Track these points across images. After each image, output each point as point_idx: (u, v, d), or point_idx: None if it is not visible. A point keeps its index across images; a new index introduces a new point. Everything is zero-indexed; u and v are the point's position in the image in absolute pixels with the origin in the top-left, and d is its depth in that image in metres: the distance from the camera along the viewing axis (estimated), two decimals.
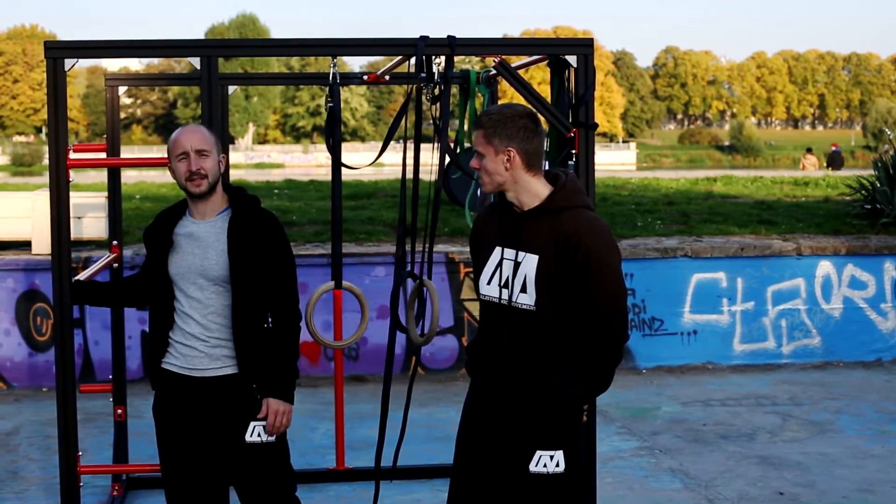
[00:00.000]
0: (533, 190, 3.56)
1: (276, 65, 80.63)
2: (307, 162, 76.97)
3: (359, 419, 7.40)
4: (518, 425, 3.58)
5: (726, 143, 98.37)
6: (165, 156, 3.97)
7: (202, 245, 3.86)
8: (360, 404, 7.85)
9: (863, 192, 11.45)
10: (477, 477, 3.67)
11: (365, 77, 5.84)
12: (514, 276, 3.54)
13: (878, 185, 11.23)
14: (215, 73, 4.26)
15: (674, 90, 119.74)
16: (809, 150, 32.45)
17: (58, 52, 4.23)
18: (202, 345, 3.86)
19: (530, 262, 3.51)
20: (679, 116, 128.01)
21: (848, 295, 9.43)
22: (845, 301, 9.42)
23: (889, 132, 19.52)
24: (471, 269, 8.68)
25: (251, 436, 3.85)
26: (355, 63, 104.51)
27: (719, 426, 7.36)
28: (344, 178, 8.52)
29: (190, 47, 4.51)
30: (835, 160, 30.37)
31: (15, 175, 48.08)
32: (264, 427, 3.86)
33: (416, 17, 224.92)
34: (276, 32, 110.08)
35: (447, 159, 4.53)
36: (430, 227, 4.49)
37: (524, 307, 3.52)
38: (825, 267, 9.43)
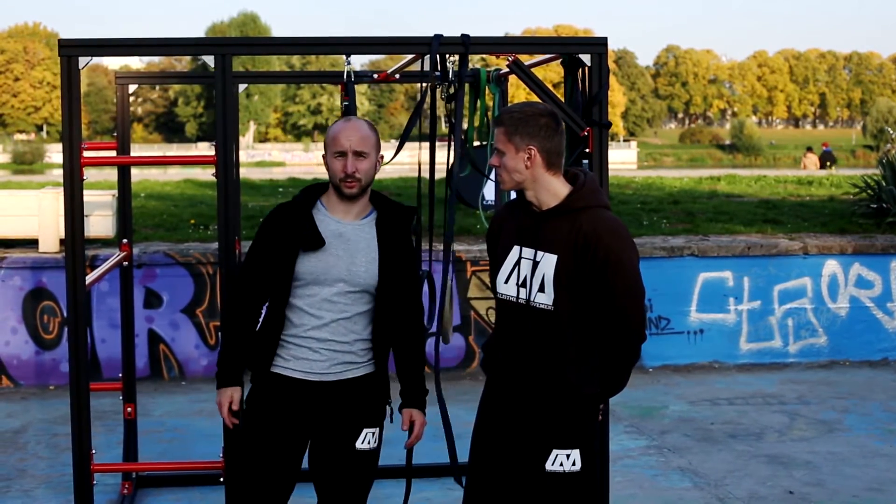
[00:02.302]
0: (552, 189, 3.56)
1: (276, 63, 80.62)
2: (308, 160, 76.99)
3: None
4: (535, 424, 3.58)
5: (727, 142, 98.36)
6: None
7: (350, 249, 3.68)
8: None
9: (868, 191, 11.44)
10: (493, 475, 3.67)
11: (375, 76, 5.82)
12: (532, 275, 3.54)
13: (885, 184, 11.22)
14: (229, 71, 4.25)
15: (675, 89, 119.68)
16: (810, 149, 33.24)
17: (72, 49, 4.22)
18: (325, 348, 3.69)
19: (549, 261, 3.51)
20: (680, 115, 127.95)
21: (854, 294, 9.43)
22: (852, 300, 9.42)
23: (891, 131, 19.51)
24: (478, 268, 8.68)
25: (362, 443, 3.75)
26: (356, 61, 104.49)
27: (727, 425, 7.36)
28: None
29: (205, 45, 4.50)
30: (827, 158, 30.99)
31: (16, 173, 48.06)
32: (374, 435, 3.78)
33: (417, 16, 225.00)
34: (277, 31, 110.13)
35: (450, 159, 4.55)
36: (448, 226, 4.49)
37: (542, 307, 3.52)
38: (831, 266, 9.42)
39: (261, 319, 3.76)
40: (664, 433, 7.16)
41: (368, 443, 3.77)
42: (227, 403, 3.73)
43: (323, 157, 3.76)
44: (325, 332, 3.67)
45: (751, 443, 6.92)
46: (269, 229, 3.72)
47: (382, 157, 3.80)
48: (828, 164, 29.26)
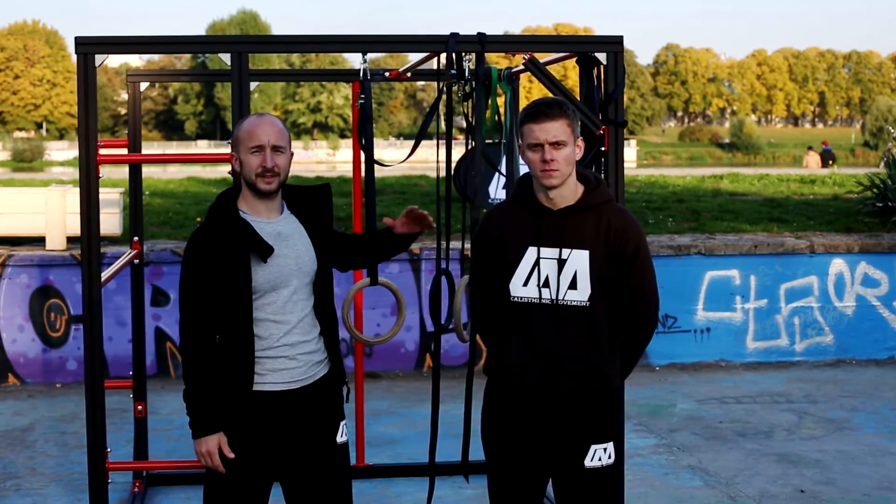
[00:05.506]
0: (573, 185, 3.57)
1: (276, 61, 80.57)
2: (308, 158, 76.93)
3: (374, 416, 7.40)
4: (573, 422, 3.58)
5: (726, 141, 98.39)
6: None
7: (291, 243, 3.62)
8: (375, 401, 7.85)
9: (874, 189, 11.43)
10: (531, 479, 3.65)
11: (387, 73, 5.80)
12: (559, 274, 3.52)
13: (890, 182, 11.22)
14: (246, 69, 4.24)
15: (674, 87, 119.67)
16: (811, 148, 33.50)
17: (89, 47, 4.21)
18: (298, 352, 3.63)
19: (580, 257, 3.51)
20: (679, 114, 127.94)
21: (861, 293, 9.43)
22: (858, 299, 9.42)
23: (892, 130, 19.49)
24: None
25: (341, 436, 3.72)
26: (355, 59, 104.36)
27: (736, 423, 7.36)
28: (348, 175, 8.49)
29: (221, 43, 4.49)
30: (827, 157, 31.11)
31: (16, 171, 48.01)
32: (345, 426, 3.75)
33: (417, 14, 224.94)
34: (277, 29, 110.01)
35: (455, 158, 4.55)
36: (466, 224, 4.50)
37: (574, 304, 3.52)
38: (838, 265, 9.42)
39: (224, 344, 3.58)
40: (673, 431, 7.16)
41: (344, 435, 3.76)
42: (216, 452, 3.56)
43: (231, 156, 3.63)
44: (294, 336, 3.61)
45: (760, 441, 6.92)
46: (205, 255, 3.54)
47: (293, 153, 3.71)
48: (829, 162, 29.32)
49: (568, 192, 3.55)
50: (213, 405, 3.56)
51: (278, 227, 3.63)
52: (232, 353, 3.55)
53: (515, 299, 3.58)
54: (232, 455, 3.57)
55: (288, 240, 3.62)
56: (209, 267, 3.52)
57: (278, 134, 3.58)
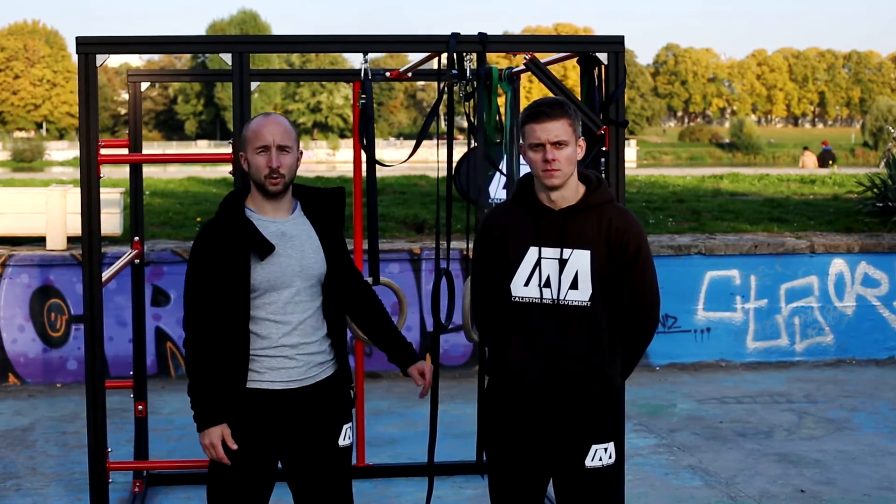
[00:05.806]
0: (574, 185, 3.57)
1: (276, 61, 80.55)
2: (307, 158, 76.74)
3: (374, 416, 7.40)
4: (574, 422, 3.58)
5: (726, 141, 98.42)
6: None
7: (296, 244, 3.59)
8: (375, 401, 7.85)
9: (874, 189, 11.42)
10: (531, 479, 3.65)
11: (387, 73, 5.80)
12: (560, 274, 3.53)
13: (890, 182, 11.22)
14: (247, 69, 4.24)
15: (674, 87, 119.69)
16: (807, 148, 33.60)
17: (90, 47, 4.21)
18: (299, 353, 3.61)
19: (581, 258, 3.51)
20: (679, 114, 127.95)
21: (861, 293, 9.43)
22: (858, 299, 9.42)
23: (892, 130, 19.47)
24: None
25: (343, 440, 3.71)
26: (355, 59, 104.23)
27: (736, 423, 7.36)
28: (348, 175, 8.45)
29: (221, 43, 4.49)
30: (827, 157, 31.08)
31: (16, 171, 48.01)
32: (351, 430, 3.74)
33: (417, 14, 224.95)
34: (277, 29, 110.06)
35: (455, 157, 4.56)
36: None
37: (575, 304, 3.52)
38: (838, 265, 9.42)
39: (223, 340, 3.59)
40: (673, 431, 7.16)
41: (348, 438, 3.75)
42: (219, 443, 3.56)
43: (240, 155, 3.64)
44: (295, 337, 3.60)
45: (760, 441, 6.92)
46: (208, 250, 3.56)
47: (302, 152, 3.70)
48: (829, 162, 29.27)
49: (569, 192, 3.55)
50: (216, 398, 3.58)
51: (284, 226, 3.61)
52: (228, 350, 3.57)
53: (516, 299, 3.58)
54: (235, 446, 3.57)
55: (293, 240, 3.61)
56: (212, 262, 3.54)
57: (284, 133, 3.57)
